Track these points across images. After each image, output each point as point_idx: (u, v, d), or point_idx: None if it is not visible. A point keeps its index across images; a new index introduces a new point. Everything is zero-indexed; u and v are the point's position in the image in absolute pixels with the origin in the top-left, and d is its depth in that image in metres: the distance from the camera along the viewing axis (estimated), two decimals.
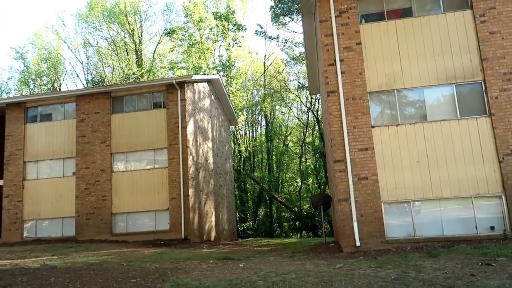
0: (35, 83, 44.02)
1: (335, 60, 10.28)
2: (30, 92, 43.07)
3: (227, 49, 34.98)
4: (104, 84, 39.14)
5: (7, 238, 17.91)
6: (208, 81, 21.62)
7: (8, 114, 19.01)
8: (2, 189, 18.67)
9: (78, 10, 40.60)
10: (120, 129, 18.03)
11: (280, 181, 38.50)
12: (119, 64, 39.06)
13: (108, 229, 17.26)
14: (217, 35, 34.48)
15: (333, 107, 10.17)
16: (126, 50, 39.13)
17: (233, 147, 34.29)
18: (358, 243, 9.61)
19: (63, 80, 45.56)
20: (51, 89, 43.56)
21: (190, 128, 17.90)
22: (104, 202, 17.51)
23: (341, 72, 10.21)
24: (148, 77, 36.61)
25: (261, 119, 41.91)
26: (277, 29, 35.41)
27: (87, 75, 43.74)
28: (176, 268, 7.93)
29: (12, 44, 62.35)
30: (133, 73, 36.08)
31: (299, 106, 40.26)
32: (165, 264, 8.67)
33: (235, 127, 34.12)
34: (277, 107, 40.57)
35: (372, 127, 10.13)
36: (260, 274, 6.45)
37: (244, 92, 36.95)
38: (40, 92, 42.48)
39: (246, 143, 38.60)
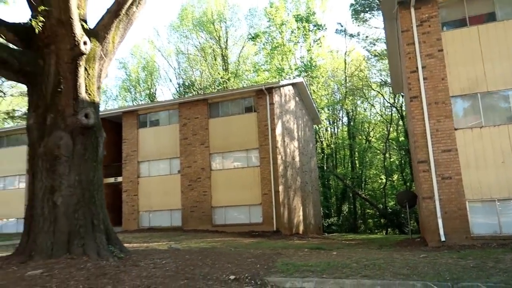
0: (135, 89, 49.43)
1: (417, 67, 11.00)
2: (131, 97, 48.58)
3: (308, 50, 36.07)
4: (194, 88, 42.76)
5: (127, 226, 21.23)
6: (293, 85, 23.03)
7: (124, 121, 22.38)
8: (122, 184, 22.10)
9: (170, 21, 44.77)
10: (217, 132, 20.25)
11: (363, 177, 38.65)
12: (208, 68, 42.29)
13: (209, 220, 19.61)
14: (298, 37, 35.73)
15: (416, 111, 10.92)
16: (214, 55, 42.18)
17: (316, 145, 35.39)
18: (443, 238, 10.29)
19: (158, 84, 50.54)
20: (148, 94, 48.62)
21: (278, 129, 19.50)
22: (205, 197, 19.91)
23: (424, 78, 10.90)
24: (234, 80, 39.21)
25: (342, 116, 42.32)
26: (358, 26, 35.60)
27: (179, 79, 48.00)
28: (278, 253, 9.47)
29: (117, 56, 70.37)
30: (221, 77, 38.91)
31: (382, 102, 39.91)
32: (267, 251, 10.27)
33: (317, 126, 35.12)
34: (359, 102, 40.65)
35: (455, 129, 10.67)
36: (352, 259, 7.70)
37: (325, 90, 37.74)
38: (139, 97, 47.73)
39: (328, 140, 39.37)
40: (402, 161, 35.72)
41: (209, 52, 42.08)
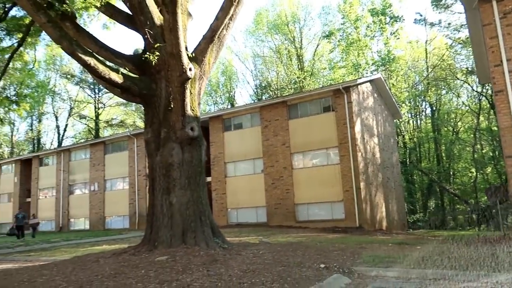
0: (216, 93, 52.33)
1: (501, 61, 10.78)
2: (213, 101, 51.58)
3: (385, 43, 35.31)
4: (271, 88, 44.12)
5: (217, 222, 23.04)
6: (370, 81, 23.05)
7: (211, 125, 24.29)
8: (211, 184, 24.06)
9: (246, 27, 46.74)
10: (296, 132, 21.15)
11: (451, 171, 36.75)
12: (283, 69, 43.37)
13: (293, 217, 20.60)
14: (374, 31, 35.15)
15: (502, 105, 10.71)
16: (289, 56, 43.11)
17: (397, 139, 34.55)
18: None
19: (236, 87, 52.90)
20: (228, 97, 51.19)
21: (357, 127, 19.80)
22: (288, 194, 20.94)
23: (509, 72, 10.66)
24: (310, 79, 39.75)
25: (425, 108, 40.58)
26: (439, 13, 33.95)
27: (256, 81, 49.82)
28: (362, 247, 10.10)
29: None
30: (297, 77, 39.72)
31: (469, 90, 37.51)
32: (351, 245, 10.92)
33: (398, 120, 34.28)
34: (443, 92, 38.63)
35: None
36: (436, 252, 8.10)
37: (405, 83, 36.59)
38: (219, 100, 50.50)
39: (410, 134, 38.09)
40: (496, 153, 33.32)
41: (284, 53, 43.13)
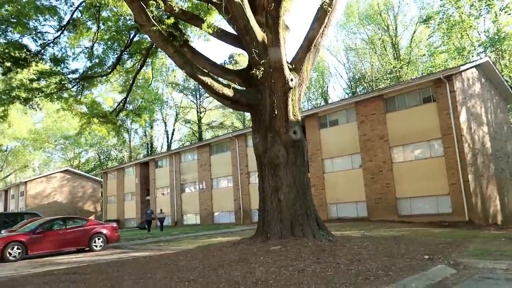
0: (308, 90, 52.79)
1: None
2: (306, 97, 52.16)
3: (493, 21, 32.25)
4: (365, 80, 43.21)
5: None
6: (476, 66, 21.57)
7: (306, 123, 25.02)
8: (309, 180, 24.82)
9: (337, 20, 46.39)
10: (395, 125, 20.81)
11: None
12: (378, 59, 42.16)
13: (394, 211, 20.38)
14: (480, 9, 32.30)
15: None
16: (383, 46, 41.77)
17: None
18: None
19: (329, 81, 52.70)
20: (321, 93, 51.33)
21: (462, 117, 18.81)
22: (388, 189, 20.76)
23: None
24: (407, 68, 38.07)
25: None
26: None
27: (349, 74, 49.16)
28: (470, 241, 9.99)
29: None
30: (393, 67, 38.35)
31: None
32: (458, 239, 10.78)
33: None
34: None
35: None
36: None
37: None
38: (313, 96, 50.87)
39: None
40: None
41: (378, 43, 41.94)
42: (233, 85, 10.01)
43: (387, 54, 41.09)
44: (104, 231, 14.78)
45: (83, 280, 6.97)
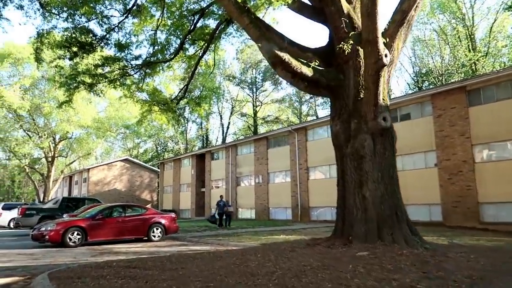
0: None
1: None
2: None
3: None
4: (433, 75, 39.92)
5: None
6: None
7: None
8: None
9: None
10: (480, 121, 18.44)
11: None
12: (451, 52, 38.77)
13: (475, 217, 18.08)
14: None
15: None
16: (458, 37, 38.29)
17: None
18: None
19: (393, 76, 49.49)
20: None
21: None
22: (469, 192, 18.47)
23: None
24: (484, 60, 34.55)
25: None
26: None
27: (415, 68, 45.85)
28: None
29: None
30: (469, 59, 34.98)
31: None
32: None
33: None
34: None
35: None
36: None
37: None
38: None
39: None
40: None
41: (451, 34, 38.52)
42: (311, 64, 8.77)
43: (462, 46, 37.57)
44: (163, 221, 14.22)
45: (144, 277, 6.12)
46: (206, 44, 17.28)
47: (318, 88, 9.05)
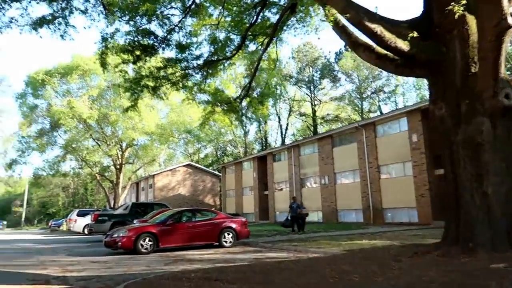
0: None
1: None
2: None
3: None
4: None
5: None
6: None
7: None
8: None
9: None
10: None
11: None
12: None
13: None
14: None
15: None
16: None
17: None
18: None
19: None
20: None
21: None
22: None
23: None
24: None
25: None
26: None
27: None
28: None
29: None
30: None
31: None
32: None
33: None
34: None
35: None
36: None
37: None
38: None
39: None
40: None
41: None
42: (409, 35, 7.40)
43: None
44: (234, 225, 13.39)
45: None
46: (268, 37, 16.42)
47: (412, 67, 7.67)
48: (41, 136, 39.39)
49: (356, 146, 27.02)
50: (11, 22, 12.87)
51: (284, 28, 16.97)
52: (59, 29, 13.87)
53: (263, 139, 62.10)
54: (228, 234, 13.14)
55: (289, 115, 58.45)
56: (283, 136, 59.35)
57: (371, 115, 51.21)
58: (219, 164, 58.74)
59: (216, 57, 17.34)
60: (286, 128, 60.21)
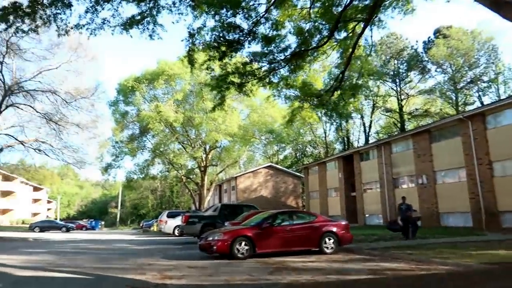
0: None
1: None
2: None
3: None
4: None
5: None
6: None
7: None
8: None
9: None
10: None
11: None
12: None
13: None
14: None
15: None
16: None
17: None
18: None
19: None
20: None
21: None
22: None
23: None
24: None
25: None
26: None
27: None
28: None
29: None
30: None
31: None
32: None
33: None
34: None
35: None
36: None
37: None
38: None
39: None
40: None
41: None
42: None
43: None
44: (335, 229, 11.94)
45: None
46: (362, 22, 14.83)
47: None
48: (132, 141, 41.50)
49: (460, 141, 23.87)
50: (103, 23, 13.01)
51: (381, 10, 15.31)
52: (147, 28, 13.79)
53: (345, 138, 59.29)
54: (330, 239, 11.74)
55: (373, 111, 54.98)
56: (367, 134, 56.05)
57: (468, 108, 46.06)
58: (299, 166, 57.35)
59: (303, 47, 16.15)
60: (370, 126, 56.79)
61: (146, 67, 39.05)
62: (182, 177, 46.17)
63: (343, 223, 12.61)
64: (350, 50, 14.94)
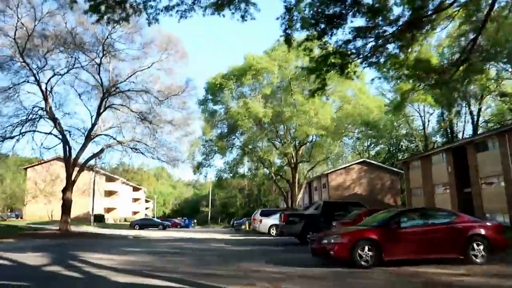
0: None
1: None
2: None
3: None
4: None
5: None
6: None
7: None
8: None
9: None
10: None
11: None
12: None
13: None
14: None
15: None
16: None
17: None
18: None
19: None
20: None
21: None
22: None
23: None
24: None
25: None
26: None
27: None
28: None
29: None
30: None
31: None
32: None
33: None
34: None
35: None
36: None
37: None
38: None
39: None
40: None
41: None
42: None
43: None
44: (485, 231, 9.30)
45: None
46: None
47: None
48: (221, 139, 41.43)
49: None
50: (194, 3, 11.99)
51: None
52: (239, 8, 12.45)
53: (448, 129, 53.01)
54: (479, 245, 9.12)
55: (482, 97, 48.01)
56: (475, 123, 49.21)
57: None
58: (394, 161, 52.79)
59: (420, 13, 13.54)
60: (478, 114, 49.73)
61: (233, 64, 38.52)
62: (273, 174, 45.04)
63: (494, 224, 9.87)
64: (488, 8, 11.96)
